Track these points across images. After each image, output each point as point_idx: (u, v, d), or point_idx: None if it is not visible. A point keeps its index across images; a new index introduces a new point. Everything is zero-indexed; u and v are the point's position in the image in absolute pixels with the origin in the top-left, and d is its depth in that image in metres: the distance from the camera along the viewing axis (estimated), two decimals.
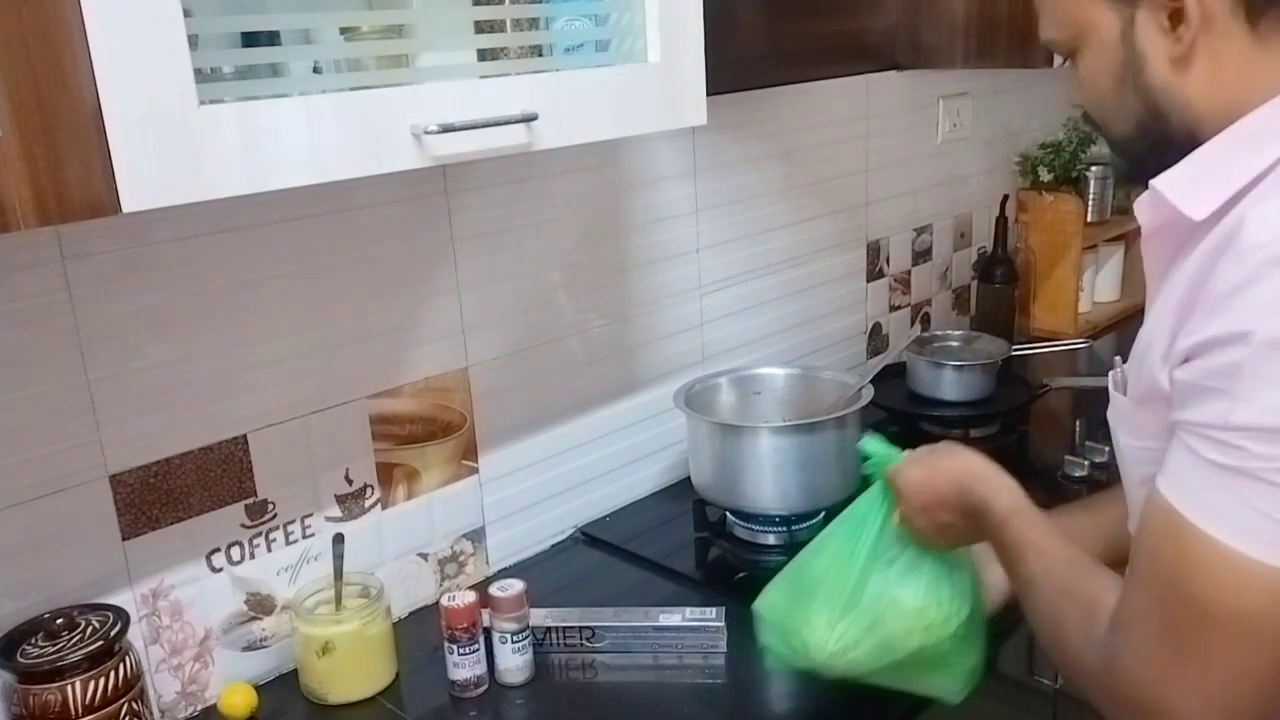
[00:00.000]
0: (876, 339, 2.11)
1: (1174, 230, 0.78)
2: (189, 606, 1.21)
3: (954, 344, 1.96)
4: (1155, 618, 0.74)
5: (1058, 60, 1.69)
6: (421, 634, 1.34)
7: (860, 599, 1.05)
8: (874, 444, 1.11)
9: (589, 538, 1.59)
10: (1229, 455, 0.68)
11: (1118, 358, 0.88)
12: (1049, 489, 1.63)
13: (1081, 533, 1.01)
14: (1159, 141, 0.81)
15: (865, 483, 1.13)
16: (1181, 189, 0.77)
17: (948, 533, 1.04)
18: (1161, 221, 0.80)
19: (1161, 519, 0.73)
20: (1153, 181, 0.80)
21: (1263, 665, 0.71)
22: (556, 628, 1.29)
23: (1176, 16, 0.77)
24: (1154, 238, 0.82)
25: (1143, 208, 0.82)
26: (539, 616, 1.29)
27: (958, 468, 1.02)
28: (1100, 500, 1.11)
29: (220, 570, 1.23)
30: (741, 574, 1.48)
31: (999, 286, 2.22)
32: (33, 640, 1.04)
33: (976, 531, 1.01)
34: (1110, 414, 0.88)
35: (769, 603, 1.13)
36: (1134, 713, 0.77)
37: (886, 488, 1.09)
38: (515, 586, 1.24)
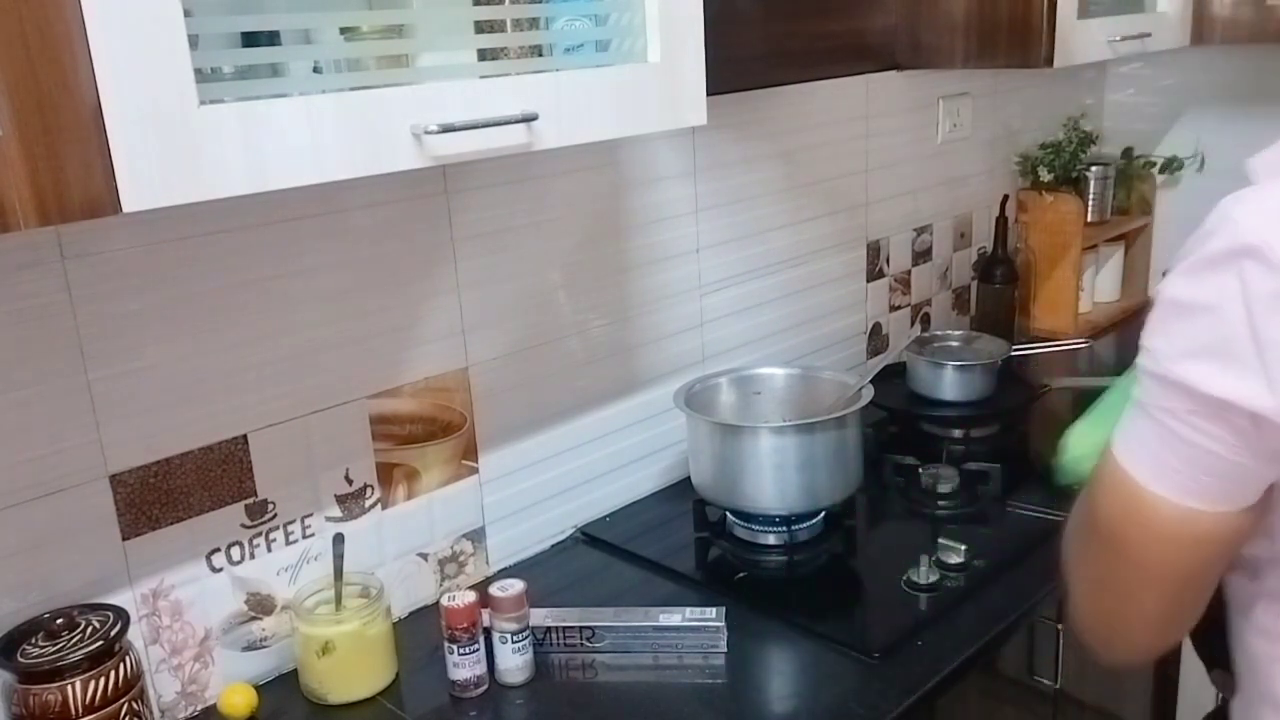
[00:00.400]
0: (876, 339, 2.12)
1: None
2: (189, 606, 1.21)
3: (954, 344, 1.96)
4: (1076, 510, 0.89)
5: (1057, 60, 1.70)
6: (421, 634, 1.34)
7: (1113, 416, 1.08)
8: None
9: (589, 538, 1.59)
10: (1143, 392, 0.79)
11: None
12: (1049, 489, 1.63)
13: None
14: None
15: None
16: (1260, 170, 0.80)
17: None
18: None
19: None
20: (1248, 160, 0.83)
21: (1125, 575, 0.83)
22: (556, 628, 1.29)
23: None
24: None
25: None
26: (539, 616, 1.29)
27: None
28: None
29: (220, 570, 1.23)
30: (741, 574, 1.48)
31: (999, 286, 2.22)
32: (33, 640, 1.04)
33: None
34: None
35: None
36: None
37: None
38: (515, 586, 1.25)
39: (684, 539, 1.55)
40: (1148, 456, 0.78)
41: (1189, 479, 0.76)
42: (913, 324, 2.21)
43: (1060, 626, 1.45)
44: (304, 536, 1.29)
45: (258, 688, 1.23)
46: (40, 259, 1.05)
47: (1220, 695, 1.01)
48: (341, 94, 0.90)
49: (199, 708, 1.23)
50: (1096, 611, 0.87)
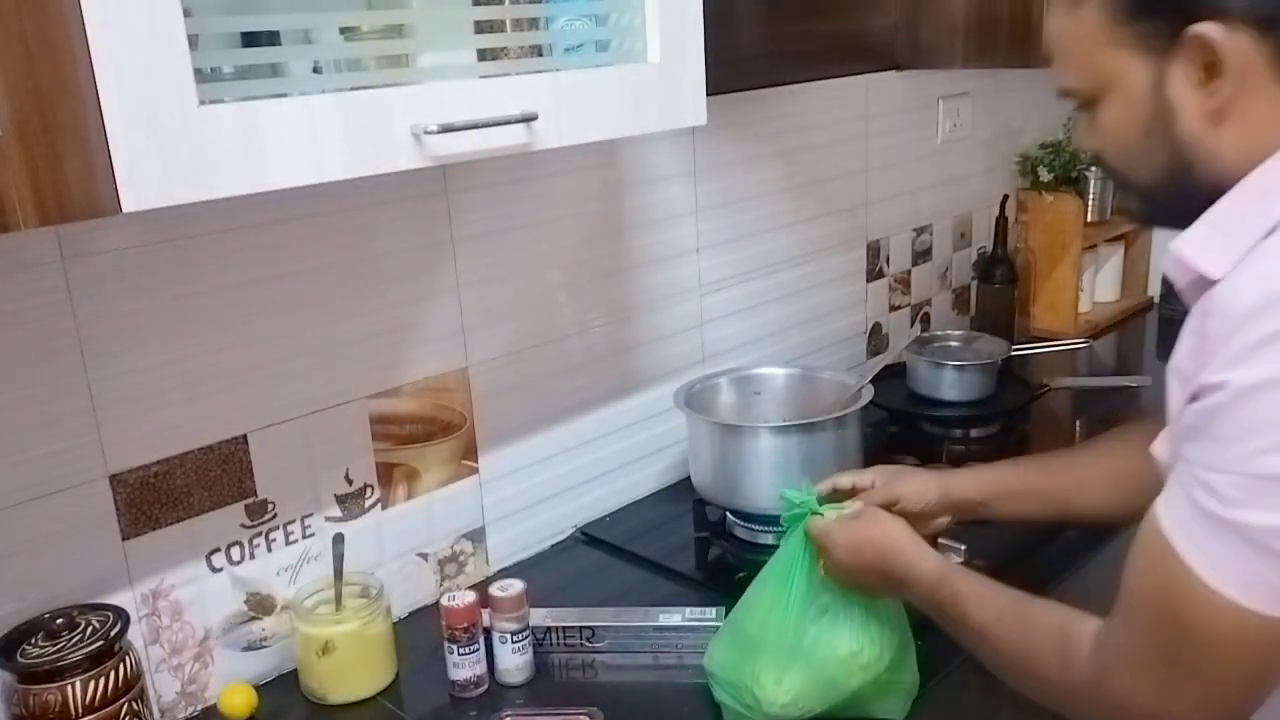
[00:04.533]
0: (876, 339, 2.12)
1: (1200, 285, 0.80)
2: (189, 606, 1.21)
3: (954, 344, 1.97)
4: (1147, 634, 0.80)
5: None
6: (421, 634, 1.34)
7: (800, 649, 1.10)
8: (795, 494, 1.16)
9: (589, 538, 1.59)
10: (1209, 498, 0.74)
11: None
12: None
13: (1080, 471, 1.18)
14: (1183, 192, 0.83)
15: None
16: (1200, 250, 0.80)
17: (871, 591, 1.12)
18: (1189, 280, 0.82)
19: (1153, 540, 0.78)
20: (1171, 246, 0.82)
21: (1241, 672, 0.77)
22: (556, 627, 1.29)
23: (1210, 70, 0.78)
24: (1186, 291, 0.83)
25: (1169, 266, 0.84)
26: (539, 616, 1.29)
27: (882, 540, 1.09)
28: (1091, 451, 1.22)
29: (220, 570, 1.23)
30: (741, 574, 1.47)
31: (999, 286, 2.22)
32: (33, 640, 1.04)
33: (900, 595, 1.10)
34: None
35: (717, 662, 1.16)
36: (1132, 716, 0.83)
37: (807, 538, 1.13)
38: (515, 586, 1.24)
39: (684, 539, 1.55)
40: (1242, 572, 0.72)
41: None
42: (913, 324, 2.21)
43: None
44: (304, 536, 1.29)
45: (257, 688, 1.23)
46: (40, 259, 1.05)
47: None
48: (341, 94, 0.90)
49: (199, 708, 1.23)
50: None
